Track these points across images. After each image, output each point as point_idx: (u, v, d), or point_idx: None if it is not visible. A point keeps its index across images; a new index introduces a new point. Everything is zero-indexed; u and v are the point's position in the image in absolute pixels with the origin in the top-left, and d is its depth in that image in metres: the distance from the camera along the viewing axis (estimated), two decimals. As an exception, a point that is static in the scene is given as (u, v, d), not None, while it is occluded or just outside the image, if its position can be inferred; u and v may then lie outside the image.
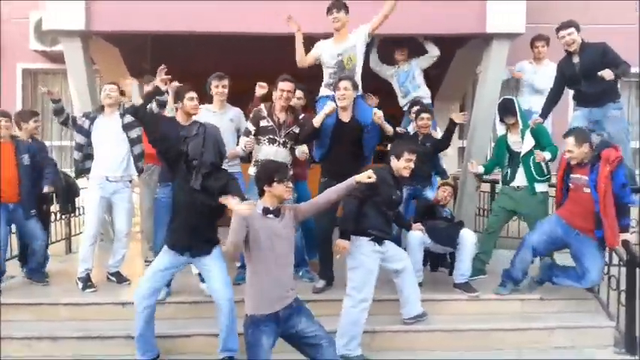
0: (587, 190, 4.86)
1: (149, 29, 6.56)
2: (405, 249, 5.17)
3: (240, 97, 5.82)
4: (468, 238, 5.26)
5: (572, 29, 5.70)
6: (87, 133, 5.48)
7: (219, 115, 5.46)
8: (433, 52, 6.81)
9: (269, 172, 3.79)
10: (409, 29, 6.45)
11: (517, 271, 5.26)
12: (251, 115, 5.40)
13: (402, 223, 5.34)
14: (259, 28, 6.46)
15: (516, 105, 5.63)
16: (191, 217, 4.25)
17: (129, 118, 5.52)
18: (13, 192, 5.41)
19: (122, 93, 5.64)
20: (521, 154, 5.56)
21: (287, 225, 3.82)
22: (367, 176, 3.92)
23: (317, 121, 5.13)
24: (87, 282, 5.33)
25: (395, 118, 6.35)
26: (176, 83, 5.34)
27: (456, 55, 7.88)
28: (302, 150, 5.38)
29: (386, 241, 4.70)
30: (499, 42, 6.70)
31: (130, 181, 5.68)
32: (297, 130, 5.38)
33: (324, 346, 3.76)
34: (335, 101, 5.17)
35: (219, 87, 5.47)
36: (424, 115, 6.05)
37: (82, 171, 5.63)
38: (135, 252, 6.86)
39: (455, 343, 4.93)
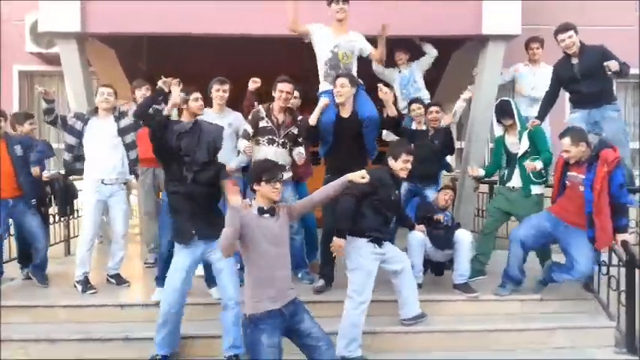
0: (582, 189, 4.87)
1: (145, 31, 6.56)
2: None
3: (236, 99, 5.80)
4: (463, 238, 5.25)
5: (572, 32, 5.71)
6: (79, 135, 5.42)
7: (218, 118, 5.45)
8: (431, 52, 6.84)
9: (258, 172, 3.79)
10: (405, 31, 6.46)
11: (513, 269, 5.25)
12: (249, 117, 5.39)
13: (405, 223, 5.32)
14: (256, 30, 6.46)
15: (513, 106, 5.64)
16: (189, 206, 4.29)
17: (125, 122, 5.53)
18: (11, 186, 5.40)
19: (115, 94, 5.61)
20: (518, 156, 5.56)
21: (283, 224, 3.81)
22: (361, 176, 3.91)
23: (312, 119, 5.15)
24: (86, 284, 5.30)
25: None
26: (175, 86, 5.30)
27: (452, 57, 7.90)
28: (298, 151, 5.36)
29: (385, 242, 4.69)
30: (495, 43, 6.72)
31: (125, 183, 5.66)
32: (295, 131, 5.37)
33: (323, 348, 3.74)
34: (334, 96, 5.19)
35: (219, 91, 5.49)
36: (433, 108, 6.09)
37: (73, 172, 5.64)
38: (134, 254, 6.85)
39: (454, 343, 4.92)
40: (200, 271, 5.19)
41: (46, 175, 5.86)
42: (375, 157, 5.55)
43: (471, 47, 7.14)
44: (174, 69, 5.32)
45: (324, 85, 5.52)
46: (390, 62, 6.98)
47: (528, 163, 5.38)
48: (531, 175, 5.47)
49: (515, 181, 5.62)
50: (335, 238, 4.44)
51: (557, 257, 5.52)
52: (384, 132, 6.44)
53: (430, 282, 5.58)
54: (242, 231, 3.61)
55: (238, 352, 4.34)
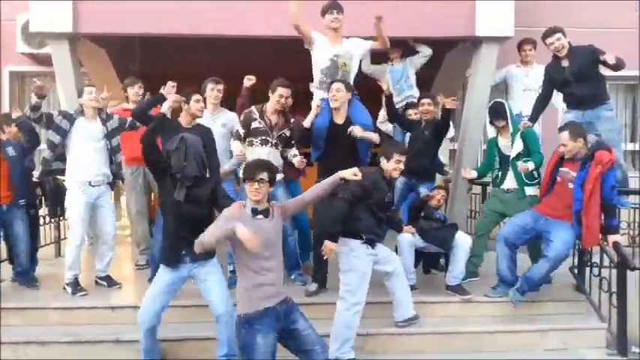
0: (571, 186, 4.89)
1: (137, 31, 6.53)
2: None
3: (230, 99, 5.78)
4: (463, 242, 5.25)
5: (559, 34, 5.72)
6: (64, 134, 5.33)
7: (211, 118, 5.45)
8: (425, 51, 6.85)
9: (243, 172, 3.80)
10: (399, 32, 6.44)
11: (502, 269, 5.25)
12: (241, 118, 5.37)
13: (394, 225, 5.32)
14: (249, 31, 6.44)
15: (507, 108, 5.64)
16: (179, 228, 4.20)
17: (112, 125, 5.53)
18: (3, 193, 5.37)
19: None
20: (511, 158, 5.57)
21: (277, 225, 3.80)
22: (353, 173, 3.90)
23: (307, 122, 5.15)
24: (76, 286, 5.27)
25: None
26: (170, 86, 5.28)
27: (445, 59, 7.91)
28: (294, 153, 5.35)
29: (378, 244, 4.69)
30: (488, 45, 6.73)
31: (109, 183, 5.63)
32: (288, 133, 5.39)
33: (319, 351, 3.74)
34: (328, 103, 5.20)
35: (214, 90, 5.48)
36: (425, 100, 6.09)
37: (50, 172, 5.53)
38: (125, 256, 6.82)
39: (448, 345, 4.92)
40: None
41: (36, 176, 5.80)
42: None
43: (464, 49, 7.15)
44: (166, 70, 5.30)
45: (317, 94, 5.51)
46: (382, 59, 6.98)
47: (520, 164, 5.39)
48: (524, 176, 5.47)
49: (510, 183, 5.62)
50: (327, 241, 4.43)
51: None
52: (379, 119, 6.44)
53: (424, 284, 5.58)
54: (235, 234, 3.58)
55: (233, 358, 4.31)
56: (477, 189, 7.35)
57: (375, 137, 5.35)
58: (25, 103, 8.53)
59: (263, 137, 5.26)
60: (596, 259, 5.29)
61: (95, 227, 5.62)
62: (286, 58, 6.11)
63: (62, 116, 5.35)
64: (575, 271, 5.67)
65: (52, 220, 6.61)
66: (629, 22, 7.93)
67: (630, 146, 8.78)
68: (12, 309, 4.99)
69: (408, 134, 6.34)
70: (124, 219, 8.52)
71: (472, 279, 5.67)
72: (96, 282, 5.58)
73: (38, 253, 5.96)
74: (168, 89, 5.02)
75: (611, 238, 4.89)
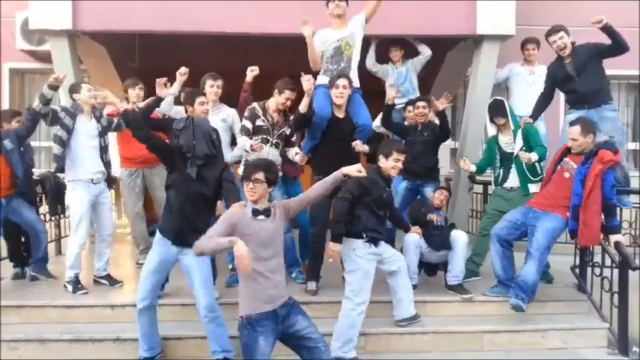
0: (567, 175, 4.90)
1: (137, 28, 6.52)
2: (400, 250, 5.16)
3: (229, 96, 5.76)
4: (459, 239, 5.24)
5: (562, 33, 5.71)
6: (68, 130, 5.28)
7: (211, 114, 5.42)
8: (425, 52, 6.83)
9: (242, 170, 3.77)
10: (400, 30, 6.44)
11: (497, 270, 5.25)
12: (246, 114, 5.35)
13: (401, 224, 5.31)
14: (250, 28, 6.42)
15: (507, 106, 5.63)
16: (185, 205, 4.20)
17: (103, 123, 5.53)
18: (6, 184, 5.36)
19: None
20: (514, 155, 5.55)
21: (278, 225, 3.77)
22: (357, 170, 3.87)
23: (302, 107, 5.16)
24: (77, 285, 5.26)
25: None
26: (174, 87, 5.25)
27: (446, 57, 7.89)
28: (296, 152, 5.35)
29: (381, 242, 4.68)
30: (489, 43, 6.71)
31: (107, 181, 5.63)
32: (288, 132, 5.39)
33: (322, 350, 3.73)
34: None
35: (213, 87, 5.47)
36: (420, 103, 6.06)
37: (63, 168, 5.42)
38: (125, 254, 6.81)
39: (448, 344, 4.92)
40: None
41: (36, 174, 5.79)
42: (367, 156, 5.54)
43: (465, 47, 7.13)
44: (166, 67, 5.27)
45: (321, 79, 5.51)
46: (384, 59, 6.96)
47: (523, 153, 5.35)
48: (527, 172, 5.46)
49: (512, 181, 5.61)
50: (331, 243, 4.43)
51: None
52: (375, 123, 6.43)
53: (424, 283, 5.56)
54: (235, 234, 3.57)
55: (229, 356, 4.30)
56: (479, 188, 7.33)
57: (365, 149, 5.32)
58: (24, 100, 8.54)
59: (264, 136, 5.26)
60: (597, 258, 5.28)
61: (94, 225, 5.60)
62: (287, 55, 6.07)
63: (65, 112, 5.30)
64: (577, 270, 5.67)
65: (53, 218, 6.59)
66: (632, 22, 7.92)
67: (632, 145, 8.78)
68: (12, 307, 4.98)
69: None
70: (125, 217, 8.50)
71: (473, 278, 5.66)
72: (95, 281, 5.56)
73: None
74: (160, 87, 4.92)
75: (613, 237, 4.87)
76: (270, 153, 5.22)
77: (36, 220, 5.59)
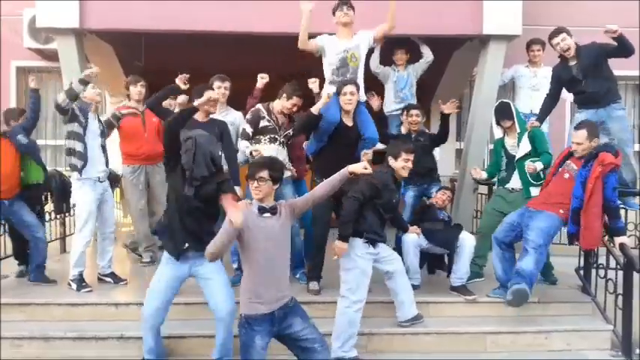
0: (567, 176, 4.89)
1: (143, 27, 6.51)
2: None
3: (235, 97, 5.78)
4: (467, 242, 5.23)
5: (564, 34, 5.67)
6: (83, 127, 5.31)
7: (219, 116, 5.43)
8: (428, 56, 6.78)
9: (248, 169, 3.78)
10: (406, 30, 6.41)
11: (498, 271, 5.25)
12: (248, 117, 5.36)
13: (400, 225, 5.31)
14: (255, 28, 6.42)
15: (513, 108, 5.62)
16: (186, 220, 4.18)
17: (106, 123, 5.62)
18: (11, 186, 5.38)
19: None
20: (517, 158, 5.54)
21: (284, 223, 3.76)
22: (363, 167, 3.87)
23: (315, 109, 5.12)
24: (81, 282, 5.28)
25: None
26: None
27: (452, 57, 7.86)
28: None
29: (379, 244, 4.68)
30: (496, 43, 6.68)
31: (110, 180, 5.67)
32: (292, 133, 5.45)
33: (318, 350, 3.72)
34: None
35: (221, 88, 5.49)
36: (413, 111, 6.06)
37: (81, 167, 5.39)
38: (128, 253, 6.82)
39: (451, 345, 4.92)
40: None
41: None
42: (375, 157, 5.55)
43: (471, 47, 7.10)
44: (172, 66, 5.29)
45: (328, 89, 5.48)
46: (387, 61, 6.94)
47: (529, 164, 5.36)
48: (529, 176, 5.45)
49: (515, 183, 5.60)
50: (337, 242, 4.44)
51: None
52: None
53: (427, 283, 5.56)
54: (241, 231, 3.58)
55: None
56: (483, 189, 7.32)
57: (370, 157, 5.35)
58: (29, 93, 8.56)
59: (272, 135, 5.29)
60: (602, 260, 5.26)
61: (96, 223, 5.60)
62: (293, 56, 6.08)
63: (79, 109, 5.32)
64: (581, 272, 5.65)
65: (58, 216, 6.62)
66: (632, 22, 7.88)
67: (637, 147, 8.72)
68: (17, 304, 5.01)
69: None
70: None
71: (476, 280, 5.66)
72: (99, 279, 5.59)
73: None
74: (181, 81, 4.98)
75: (618, 239, 4.86)
76: (278, 151, 5.24)
77: (36, 226, 5.53)
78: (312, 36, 5.47)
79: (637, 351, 4.84)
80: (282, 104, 5.35)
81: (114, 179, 5.79)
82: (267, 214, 3.70)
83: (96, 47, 7.21)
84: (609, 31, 5.33)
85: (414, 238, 5.26)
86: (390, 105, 6.73)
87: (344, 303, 4.50)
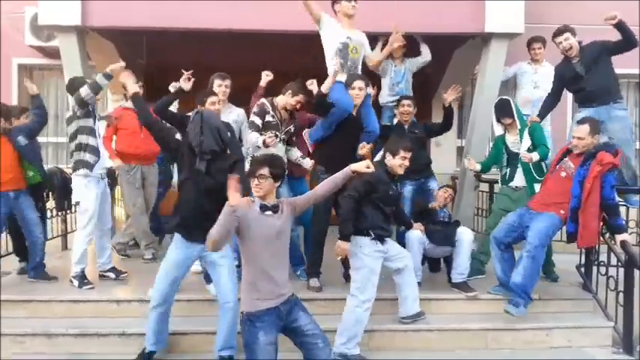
0: (564, 174, 4.88)
1: (145, 25, 6.52)
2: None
3: (238, 93, 5.78)
4: (465, 236, 5.24)
5: (568, 34, 5.67)
6: (95, 122, 5.40)
7: (223, 114, 5.43)
8: (426, 56, 6.74)
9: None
10: (408, 28, 6.41)
11: (497, 272, 5.24)
12: (255, 110, 5.36)
13: (403, 221, 5.32)
14: (258, 25, 6.42)
15: (513, 106, 5.62)
16: (201, 200, 4.18)
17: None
18: (13, 178, 5.36)
19: None
20: (520, 155, 5.54)
21: (285, 221, 3.75)
22: (366, 166, 3.86)
23: (325, 87, 5.12)
24: (83, 279, 5.28)
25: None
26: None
27: (454, 55, 7.87)
28: (300, 155, 5.47)
29: (387, 240, 4.69)
30: (498, 41, 6.67)
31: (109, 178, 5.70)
32: (292, 129, 5.47)
33: (320, 346, 3.70)
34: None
35: (222, 86, 5.49)
36: (405, 101, 6.07)
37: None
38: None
39: (453, 342, 4.92)
40: (199, 266, 5.18)
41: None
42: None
43: (473, 45, 7.10)
44: (174, 63, 5.29)
45: (339, 77, 5.45)
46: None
47: (524, 154, 5.35)
48: (534, 172, 5.44)
49: (519, 180, 5.60)
50: (339, 242, 4.45)
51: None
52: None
53: (429, 280, 5.57)
54: (242, 228, 3.57)
55: (232, 354, 4.32)
56: (485, 187, 7.32)
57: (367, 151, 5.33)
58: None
59: (273, 131, 5.30)
60: (603, 257, 5.27)
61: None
62: (295, 53, 6.10)
63: (91, 105, 5.38)
64: (582, 269, 5.66)
65: (59, 213, 6.63)
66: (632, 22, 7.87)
67: (639, 145, 8.71)
68: (18, 301, 5.02)
69: None
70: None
71: (478, 276, 5.66)
72: (101, 275, 5.60)
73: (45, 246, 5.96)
74: (184, 80, 5.04)
75: (619, 237, 4.86)
76: (279, 148, 5.26)
77: (36, 225, 5.51)
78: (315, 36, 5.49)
79: (638, 348, 4.84)
80: (286, 100, 5.36)
81: (112, 177, 5.81)
82: (269, 212, 3.69)
83: (98, 45, 7.21)
84: (609, 18, 5.32)
85: (418, 235, 5.26)
86: (385, 97, 6.70)
87: (353, 302, 4.50)
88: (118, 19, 6.38)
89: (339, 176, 3.90)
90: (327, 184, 3.91)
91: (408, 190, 6.06)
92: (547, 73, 6.51)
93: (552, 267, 5.79)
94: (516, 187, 5.63)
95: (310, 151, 5.61)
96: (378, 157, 5.23)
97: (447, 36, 6.79)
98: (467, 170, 6.71)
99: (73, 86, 5.41)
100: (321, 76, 5.57)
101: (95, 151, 5.31)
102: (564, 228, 4.95)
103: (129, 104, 6.15)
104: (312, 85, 5.26)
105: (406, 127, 6.08)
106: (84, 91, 5.13)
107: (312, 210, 5.28)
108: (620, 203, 5.27)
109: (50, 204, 6.35)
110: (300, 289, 4.89)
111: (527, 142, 5.50)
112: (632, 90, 8.77)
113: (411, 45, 6.82)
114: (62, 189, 6.15)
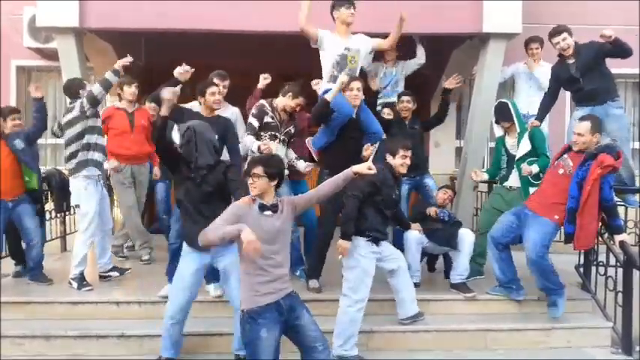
0: (562, 172, 4.85)
1: (143, 27, 6.52)
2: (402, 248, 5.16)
3: (236, 95, 5.78)
4: (466, 238, 5.25)
5: (565, 34, 5.66)
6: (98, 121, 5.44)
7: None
8: (420, 58, 6.74)
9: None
10: (405, 29, 6.40)
11: (495, 272, 5.22)
12: (254, 111, 5.36)
13: (402, 222, 5.32)
14: (255, 27, 6.42)
15: (511, 109, 5.61)
16: (200, 207, 4.19)
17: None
18: (12, 185, 5.37)
19: None
20: (516, 158, 5.53)
21: (285, 221, 3.73)
22: (367, 167, 3.85)
23: (330, 96, 5.12)
24: (82, 281, 5.28)
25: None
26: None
27: (452, 56, 7.86)
28: (296, 156, 5.46)
29: (382, 242, 4.69)
30: (496, 42, 6.67)
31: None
32: (293, 130, 5.44)
33: (319, 349, 3.68)
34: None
35: (220, 86, 5.45)
36: (404, 97, 6.10)
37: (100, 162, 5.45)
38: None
39: (452, 343, 4.93)
40: (219, 291, 5.12)
41: (42, 171, 5.82)
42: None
43: (471, 45, 7.10)
44: (172, 65, 5.28)
45: (328, 85, 5.45)
46: (377, 56, 6.91)
47: (525, 167, 5.34)
48: (530, 176, 5.44)
49: (513, 181, 5.60)
50: (340, 240, 4.46)
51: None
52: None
53: (427, 281, 5.57)
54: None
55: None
56: (483, 186, 7.33)
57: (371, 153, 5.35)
58: (31, 98, 8.54)
59: (273, 132, 5.29)
60: (602, 258, 5.27)
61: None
62: (293, 55, 6.08)
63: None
64: (581, 269, 5.66)
65: (58, 215, 6.62)
66: (632, 22, 7.89)
67: (637, 145, 8.72)
68: (18, 303, 5.02)
69: None
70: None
71: (477, 277, 5.66)
72: (101, 277, 5.59)
73: (43, 247, 5.95)
74: (183, 70, 5.04)
75: (618, 237, 4.85)
76: (278, 149, 5.24)
77: (34, 231, 5.51)
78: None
79: (637, 348, 4.85)
80: (286, 102, 5.34)
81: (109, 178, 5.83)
82: (268, 212, 3.69)
83: (96, 46, 7.21)
84: (604, 36, 5.34)
85: (416, 236, 5.27)
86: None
87: (346, 302, 4.50)
88: (115, 20, 6.37)
89: (340, 177, 3.89)
90: (329, 185, 3.91)
91: (404, 188, 6.05)
92: (544, 73, 6.51)
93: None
94: (510, 187, 5.63)
95: (316, 158, 5.60)
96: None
97: (445, 36, 6.79)
98: (466, 170, 6.70)
99: (71, 88, 5.41)
100: (321, 76, 5.59)
101: (105, 150, 5.40)
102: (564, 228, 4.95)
103: (122, 104, 6.17)
104: (317, 85, 5.26)
105: (407, 122, 6.10)
106: (96, 89, 5.16)
107: (313, 211, 5.29)
108: (619, 203, 5.25)
109: (49, 206, 6.33)
110: (299, 290, 4.83)
111: (525, 145, 5.48)
112: (631, 90, 8.76)
113: (408, 46, 6.83)
114: (61, 191, 6.14)
